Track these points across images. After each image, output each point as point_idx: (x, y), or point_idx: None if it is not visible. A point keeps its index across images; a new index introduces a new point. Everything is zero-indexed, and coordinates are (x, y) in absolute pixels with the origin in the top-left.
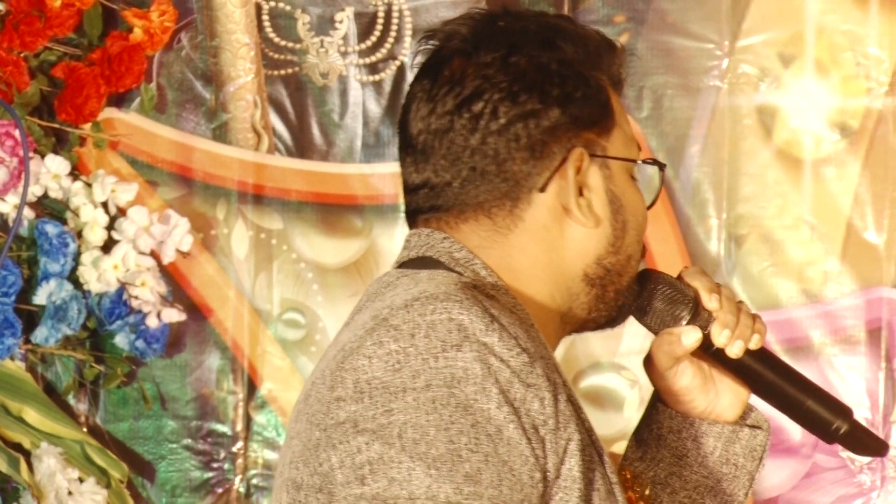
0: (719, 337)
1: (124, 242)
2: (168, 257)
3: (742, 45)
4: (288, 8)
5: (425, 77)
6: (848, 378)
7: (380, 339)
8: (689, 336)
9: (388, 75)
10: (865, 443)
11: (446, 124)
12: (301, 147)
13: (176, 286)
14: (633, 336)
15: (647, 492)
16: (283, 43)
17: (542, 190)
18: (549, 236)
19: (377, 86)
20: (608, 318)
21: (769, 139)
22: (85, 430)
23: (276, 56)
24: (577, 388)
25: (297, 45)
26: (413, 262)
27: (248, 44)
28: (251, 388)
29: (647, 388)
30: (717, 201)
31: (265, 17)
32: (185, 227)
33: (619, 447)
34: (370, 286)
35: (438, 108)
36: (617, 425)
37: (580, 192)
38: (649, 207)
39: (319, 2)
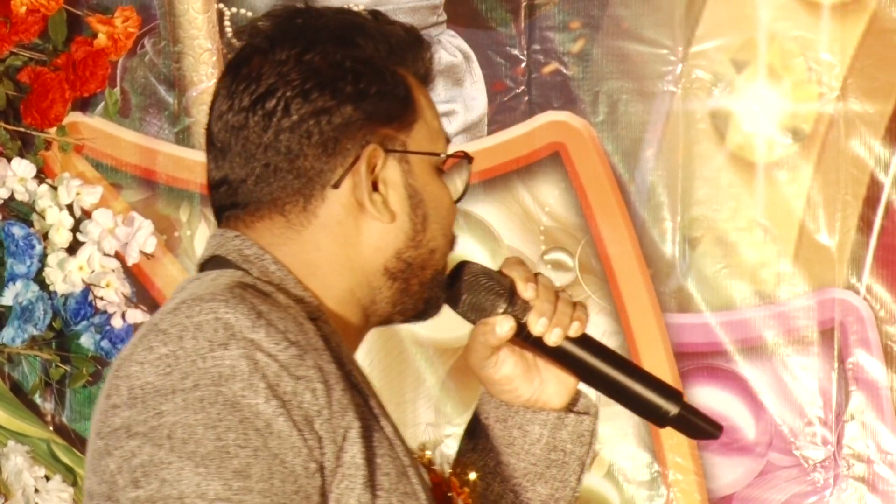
0: (536, 326)
1: (89, 244)
2: (132, 259)
3: (695, 51)
4: (249, 14)
5: (227, 74)
6: (801, 378)
7: (150, 344)
8: (503, 325)
9: None
10: (698, 426)
11: (241, 121)
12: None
13: (140, 287)
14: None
15: (470, 477)
16: None
17: (336, 186)
18: (345, 232)
19: None
20: (416, 311)
21: (722, 143)
22: (51, 428)
23: None
24: None
25: None
26: (207, 263)
27: (210, 49)
28: None
29: None
30: (672, 204)
31: (227, 23)
32: (149, 229)
33: None
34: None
35: (235, 105)
36: None
37: (375, 188)
38: (458, 200)
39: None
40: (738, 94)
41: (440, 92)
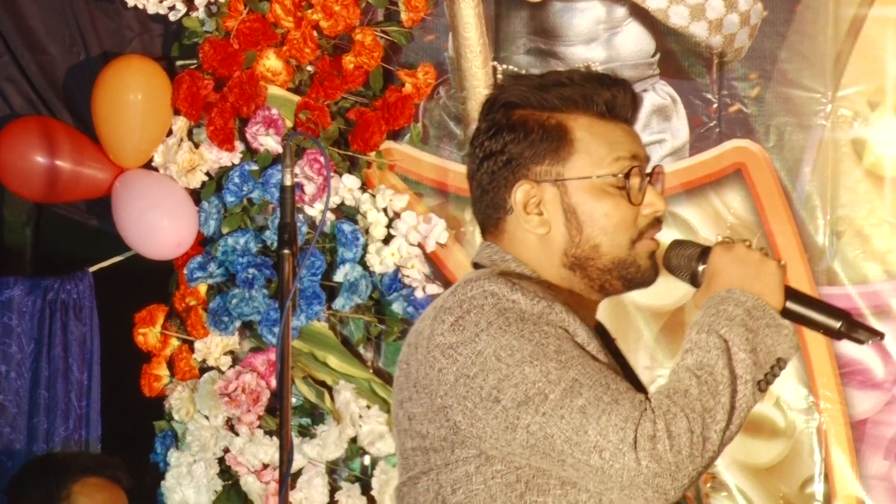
0: None
1: (399, 237)
2: (430, 247)
3: (841, 95)
4: (515, 69)
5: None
6: None
7: (443, 319)
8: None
9: None
10: (860, 337)
11: (470, 161)
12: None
13: (436, 268)
14: None
15: None
16: None
17: (508, 213)
18: (530, 242)
19: None
20: (619, 286)
21: (860, 162)
22: (371, 371)
23: None
24: None
25: None
26: (473, 267)
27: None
28: None
29: None
30: (823, 207)
31: (499, 76)
32: (443, 226)
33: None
34: None
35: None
36: None
37: (530, 211)
38: (641, 202)
39: (538, 64)
40: (872, 127)
41: (654, 125)
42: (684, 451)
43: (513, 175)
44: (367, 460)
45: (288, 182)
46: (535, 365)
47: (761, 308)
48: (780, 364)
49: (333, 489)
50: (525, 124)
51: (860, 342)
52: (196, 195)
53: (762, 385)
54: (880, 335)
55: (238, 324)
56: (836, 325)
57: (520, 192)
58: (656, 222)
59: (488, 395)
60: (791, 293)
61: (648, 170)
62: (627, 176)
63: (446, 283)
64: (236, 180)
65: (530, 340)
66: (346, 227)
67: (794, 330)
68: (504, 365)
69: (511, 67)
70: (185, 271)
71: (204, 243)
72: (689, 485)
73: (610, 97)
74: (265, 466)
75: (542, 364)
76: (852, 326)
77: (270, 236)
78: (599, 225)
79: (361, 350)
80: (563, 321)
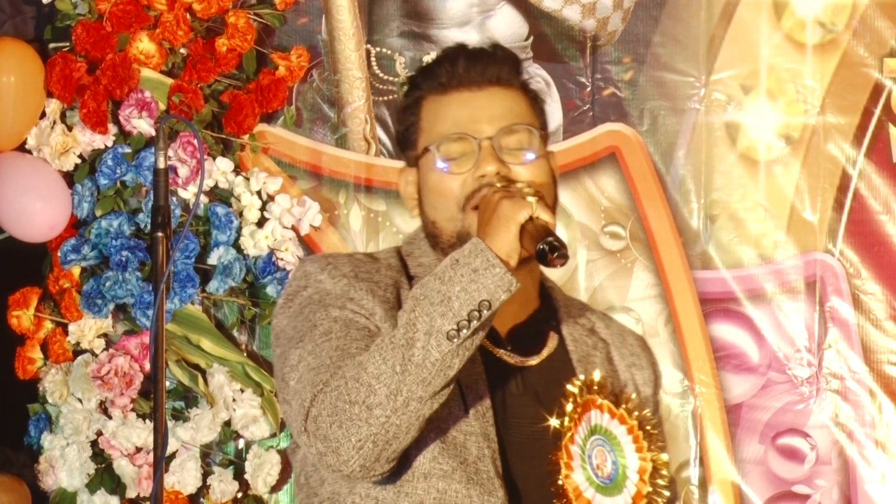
0: None
1: (273, 220)
2: (304, 230)
3: (714, 79)
4: (388, 52)
5: None
6: (792, 318)
7: (279, 302)
8: None
9: None
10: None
11: None
12: (399, 152)
13: (310, 251)
14: (637, 287)
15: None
16: (385, 77)
17: None
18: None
19: None
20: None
21: (734, 146)
22: (245, 354)
23: (381, 86)
24: None
25: (396, 79)
26: None
27: (360, 78)
28: None
29: (649, 325)
30: (697, 190)
31: (373, 59)
32: (317, 209)
33: None
34: None
35: None
36: None
37: (406, 195)
38: (452, 172)
39: (411, 47)
40: (745, 111)
41: None
42: (346, 423)
43: (401, 159)
44: (240, 444)
45: (161, 165)
46: (297, 347)
47: (475, 253)
48: (482, 306)
49: (206, 473)
50: (398, 110)
51: (548, 265)
52: (69, 178)
53: (451, 334)
54: (561, 260)
55: (112, 306)
56: (540, 247)
57: (400, 178)
58: (487, 186)
59: (277, 375)
60: (527, 229)
61: (488, 135)
62: (438, 148)
63: None
64: (109, 163)
65: (308, 322)
66: (220, 210)
67: (505, 270)
68: (283, 348)
69: (385, 50)
70: (58, 254)
71: (77, 226)
72: (375, 452)
73: (450, 67)
74: (138, 450)
75: (303, 347)
76: (551, 249)
77: (144, 219)
78: (430, 201)
79: (235, 333)
80: (361, 299)
